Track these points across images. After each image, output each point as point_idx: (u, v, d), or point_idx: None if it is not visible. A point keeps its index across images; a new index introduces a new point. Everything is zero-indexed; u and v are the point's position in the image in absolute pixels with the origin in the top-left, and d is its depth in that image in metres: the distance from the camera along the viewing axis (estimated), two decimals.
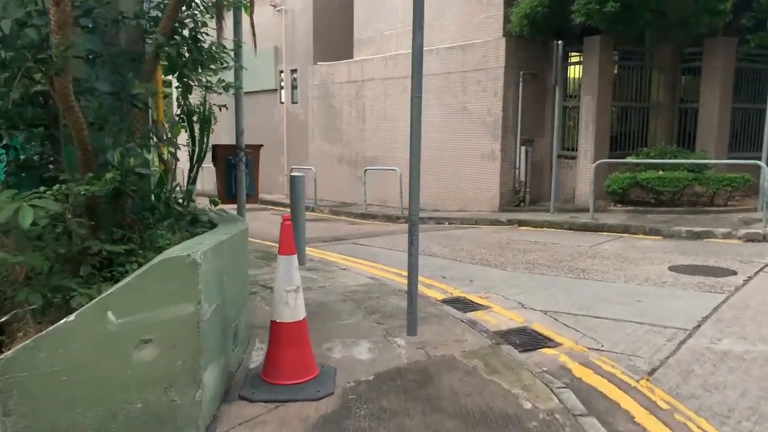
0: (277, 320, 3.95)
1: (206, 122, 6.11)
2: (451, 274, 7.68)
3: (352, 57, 18.54)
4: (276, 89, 21.79)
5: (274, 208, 18.32)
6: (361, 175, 16.18)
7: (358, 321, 5.32)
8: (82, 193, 3.62)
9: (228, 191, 6.14)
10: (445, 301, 6.30)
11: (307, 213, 17.29)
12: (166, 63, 5.02)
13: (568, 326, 5.55)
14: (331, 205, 17.54)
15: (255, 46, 6.54)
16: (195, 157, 5.98)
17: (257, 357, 4.43)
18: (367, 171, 15.72)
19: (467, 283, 7.18)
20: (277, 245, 4.04)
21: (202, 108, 6.08)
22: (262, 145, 6.56)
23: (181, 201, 5.56)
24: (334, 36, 19.65)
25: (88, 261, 3.74)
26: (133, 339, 3.12)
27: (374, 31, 17.67)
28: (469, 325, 5.27)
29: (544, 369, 4.43)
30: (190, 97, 5.77)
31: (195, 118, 6.04)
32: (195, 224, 4.70)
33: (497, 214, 13.50)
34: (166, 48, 4.49)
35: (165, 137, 4.22)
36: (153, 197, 4.67)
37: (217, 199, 5.95)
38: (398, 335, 4.93)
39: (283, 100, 21.48)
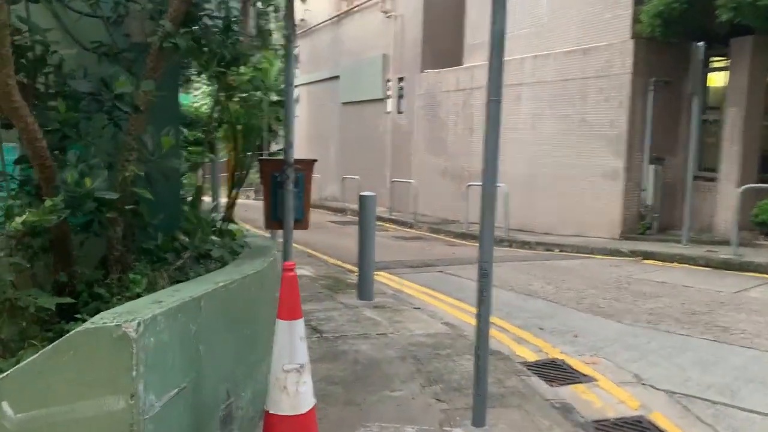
0: (271, 411, 2.80)
1: (251, 132, 5.14)
2: (550, 324, 6.21)
3: (461, 64, 17.27)
4: (383, 99, 20.93)
5: None
6: (465, 190, 14.84)
7: (412, 394, 4.07)
8: (13, 226, 2.68)
9: (273, 214, 5.12)
10: (536, 366, 4.90)
11: (404, 230, 16.26)
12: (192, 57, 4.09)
13: (704, 422, 3.98)
14: (431, 222, 16.31)
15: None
16: (235, 175, 4.99)
17: None
18: (470, 187, 14.36)
19: (570, 339, 5.70)
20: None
21: (245, 114, 5.11)
22: (315, 160, 5.49)
23: (216, 229, 4.61)
24: (444, 42, 18.46)
25: (20, 315, 2.79)
26: None
27: (487, 34, 16.27)
28: (561, 413, 3.87)
29: None
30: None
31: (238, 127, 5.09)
32: (200, 262, 3.68)
33: (618, 243, 11.67)
34: (176, 39, 3.51)
35: (154, 151, 3.23)
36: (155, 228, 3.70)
37: (237, 223, 4.97)
38: (460, 424, 3.63)
39: (389, 109, 20.57)
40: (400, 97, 19.91)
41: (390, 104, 20.49)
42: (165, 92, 4.42)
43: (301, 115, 29.32)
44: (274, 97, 7.10)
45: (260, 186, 31.83)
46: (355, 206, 19.92)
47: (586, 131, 12.96)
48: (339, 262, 9.54)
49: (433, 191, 17.73)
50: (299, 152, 29.21)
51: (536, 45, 14.23)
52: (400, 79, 19.82)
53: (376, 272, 8.51)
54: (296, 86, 24.53)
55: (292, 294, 2.81)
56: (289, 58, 4.88)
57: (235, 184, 4.94)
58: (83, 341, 2.25)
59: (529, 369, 4.80)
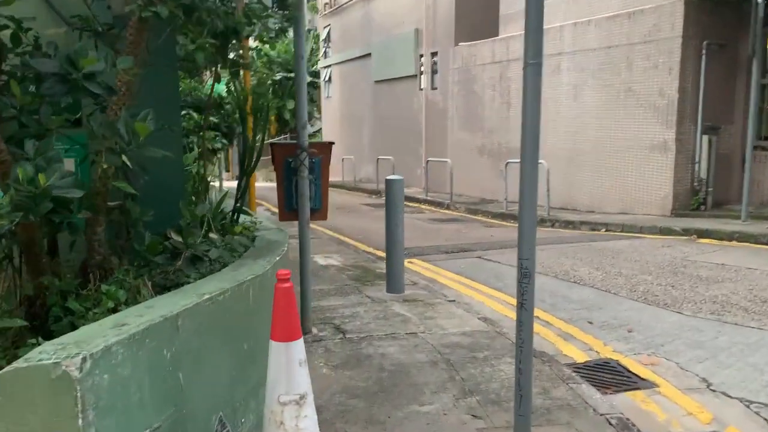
0: None
1: (260, 113, 4.64)
2: (600, 316, 5.60)
3: (496, 35, 16.45)
4: (415, 75, 20.24)
5: (407, 203, 16.73)
6: (503, 168, 14.15)
7: (444, 408, 3.54)
8: None
9: (288, 204, 4.61)
10: (586, 369, 4.32)
11: (440, 211, 15.66)
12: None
13: None
14: (468, 202, 15.67)
15: None
16: (245, 161, 4.50)
17: None
18: (509, 164, 13.66)
19: (623, 335, 5.08)
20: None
21: (254, 93, 4.61)
22: (332, 143, 4.94)
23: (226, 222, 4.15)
24: (478, 13, 17.62)
25: None
26: None
27: (523, 2, 15.41)
28: (618, 431, 3.29)
29: None
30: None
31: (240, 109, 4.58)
32: (195, 264, 3.19)
33: (669, 221, 10.87)
34: (156, 7, 3.02)
35: (130, 139, 2.74)
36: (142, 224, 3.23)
37: (251, 214, 4.48)
38: None
39: (422, 86, 19.87)
40: (434, 72, 19.19)
41: (423, 80, 19.79)
42: (161, 72, 3.98)
43: (333, 95, 28.80)
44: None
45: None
46: None
47: (632, 101, 12.10)
48: (370, 249, 9.04)
49: (470, 170, 17.06)
50: (332, 133, 28.92)
51: (576, 11, 13.35)
52: (434, 54, 19.09)
53: (408, 260, 7.99)
54: (328, 66, 24.20)
55: (288, 309, 2.30)
56: (298, 26, 4.34)
57: (246, 171, 4.42)
58: (14, 384, 1.80)
59: (578, 373, 4.22)
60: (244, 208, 4.74)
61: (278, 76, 37.45)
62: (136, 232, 3.31)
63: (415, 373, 4.03)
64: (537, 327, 4.49)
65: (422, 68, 19.84)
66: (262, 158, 4.71)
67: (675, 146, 11.35)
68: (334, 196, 19.68)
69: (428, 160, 17.84)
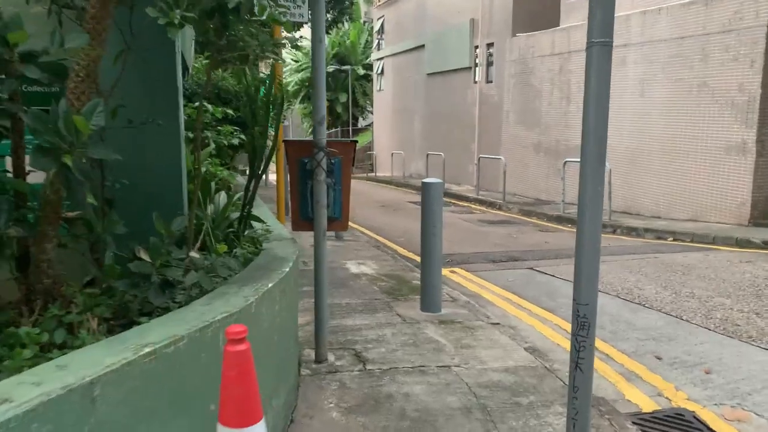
0: None
1: (273, 106, 4.01)
2: (671, 350, 4.75)
3: (557, 25, 15.44)
4: (470, 67, 19.38)
5: (456, 202, 16.02)
6: (561, 167, 13.20)
7: None
8: None
9: (302, 211, 3.97)
10: (653, 423, 3.53)
11: (491, 211, 14.80)
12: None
13: None
14: (522, 202, 14.77)
15: None
16: (254, 160, 3.89)
17: None
18: (567, 163, 12.71)
19: (699, 377, 4.24)
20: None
21: (266, 83, 3.99)
22: (355, 141, 4.27)
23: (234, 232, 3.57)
24: (538, 1, 16.63)
25: None
26: None
27: None
28: None
29: None
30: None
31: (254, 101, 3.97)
32: (165, 291, 2.57)
33: (747, 231, 9.77)
34: None
35: (73, 136, 2.14)
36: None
37: (262, 220, 3.86)
38: None
39: (476, 79, 18.99)
40: (489, 64, 18.29)
41: (478, 73, 18.92)
42: (154, 58, 3.41)
43: (386, 88, 28.12)
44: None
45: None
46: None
47: (706, 97, 10.97)
48: (410, 254, 8.35)
49: (525, 168, 16.14)
50: (384, 127, 28.37)
51: None
52: (489, 45, 18.18)
53: (450, 268, 7.27)
54: (381, 58, 23.64)
55: (242, 381, 1.64)
56: (316, 5, 3.68)
57: (254, 174, 3.81)
58: None
59: (644, 428, 3.44)
60: (254, 213, 4.13)
61: (331, 69, 37.08)
62: (102, 249, 2.74)
63: (443, 423, 3.33)
64: (594, 362, 3.75)
65: (477, 60, 18.97)
66: None
67: (756, 148, 10.20)
68: (382, 192, 19.00)
69: (480, 157, 16.98)
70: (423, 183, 5.16)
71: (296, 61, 40.36)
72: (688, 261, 7.92)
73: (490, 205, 14.97)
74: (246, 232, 3.99)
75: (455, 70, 20.25)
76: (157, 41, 3.11)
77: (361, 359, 4.19)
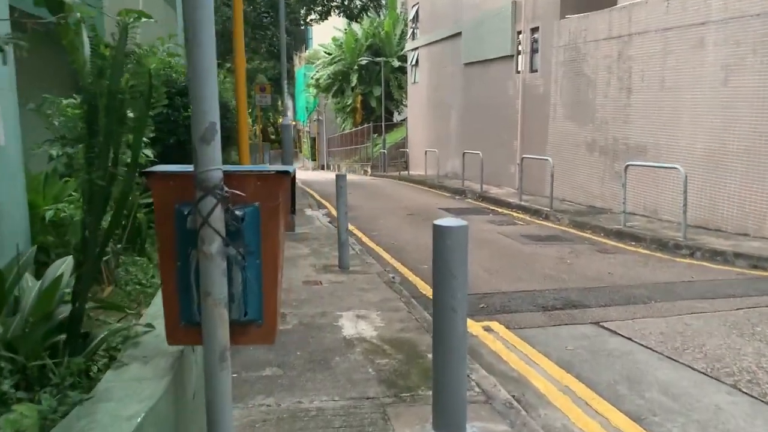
0: None
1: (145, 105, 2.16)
2: None
3: (614, 4, 13.23)
4: (512, 55, 17.24)
5: (495, 209, 13.98)
6: (620, 170, 11.03)
7: None
8: None
9: (183, 308, 2.10)
10: None
11: (536, 222, 12.65)
12: None
13: None
14: (573, 210, 12.65)
15: None
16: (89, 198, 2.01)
17: None
18: (629, 167, 10.56)
19: None
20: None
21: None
22: (288, 173, 2.28)
23: None
24: None
25: None
26: None
27: None
28: None
29: None
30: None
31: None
32: None
33: None
34: None
35: None
36: None
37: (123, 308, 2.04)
38: None
39: (519, 68, 16.84)
40: (534, 51, 16.12)
41: (521, 62, 16.75)
42: None
43: (421, 80, 26.08)
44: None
45: (378, 160, 29.33)
46: (477, 186, 16.51)
47: None
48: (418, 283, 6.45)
49: (575, 169, 13.99)
50: (418, 122, 26.33)
51: None
52: (534, 30, 16.02)
53: (485, 321, 5.36)
54: (415, 49, 21.51)
55: None
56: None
57: (115, 212, 1.95)
58: None
59: None
60: (110, 301, 2.28)
61: (364, 61, 35.14)
62: None
63: None
64: None
65: (520, 47, 16.81)
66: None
67: None
68: (412, 196, 16.90)
69: (524, 157, 14.88)
70: (435, 226, 3.24)
71: (329, 54, 38.59)
72: None
73: (535, 213, 12.90)
74: (93, 344, 2.15)
75: (495, 59, 18.13)
76: None
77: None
